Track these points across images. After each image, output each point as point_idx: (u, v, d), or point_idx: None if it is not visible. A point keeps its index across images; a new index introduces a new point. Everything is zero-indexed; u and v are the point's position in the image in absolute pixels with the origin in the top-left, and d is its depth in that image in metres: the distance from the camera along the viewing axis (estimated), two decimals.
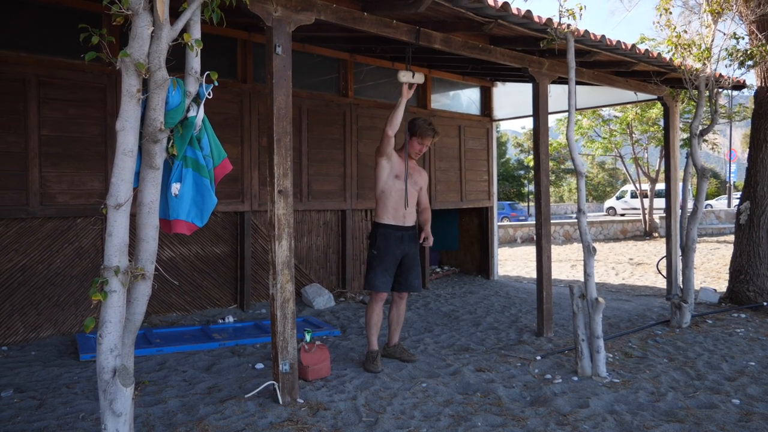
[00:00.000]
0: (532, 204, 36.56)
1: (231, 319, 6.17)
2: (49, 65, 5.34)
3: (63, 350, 5.02)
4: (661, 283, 9.54)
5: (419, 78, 4.63)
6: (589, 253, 4.57)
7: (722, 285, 8.51)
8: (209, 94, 2.97)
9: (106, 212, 2.66)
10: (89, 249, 5.67)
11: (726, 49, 6.08)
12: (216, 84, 2.97)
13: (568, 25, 4.71)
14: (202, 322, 6.11)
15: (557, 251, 15.76)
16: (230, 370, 4.47)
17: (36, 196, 5.29)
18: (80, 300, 5.59)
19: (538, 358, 4.80)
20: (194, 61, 2.92)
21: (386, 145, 4.46)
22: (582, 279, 4.97)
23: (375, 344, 4.58)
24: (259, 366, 4.55)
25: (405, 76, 4.50)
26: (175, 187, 2.91)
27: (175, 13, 2.80)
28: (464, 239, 10.04)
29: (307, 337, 4.34)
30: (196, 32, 2.89)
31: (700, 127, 6.11)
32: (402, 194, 4.59)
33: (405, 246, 4.63)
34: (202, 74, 2.96)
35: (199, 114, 2.93)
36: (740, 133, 43.04)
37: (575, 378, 4.29)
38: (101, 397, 2.61)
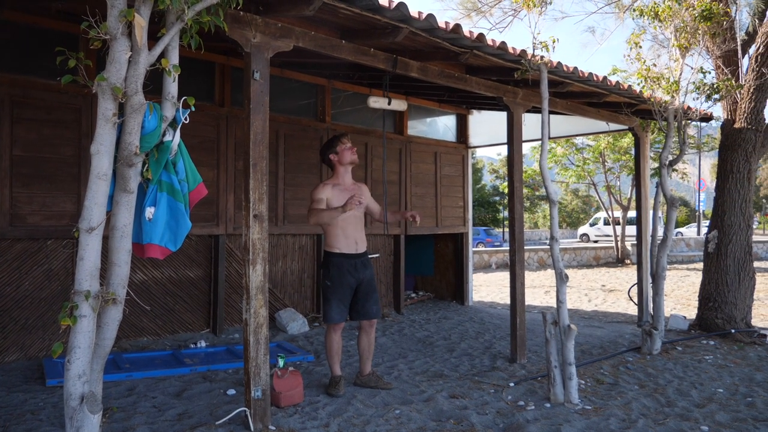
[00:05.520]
0: (507, 230, 36.86)
1: (203, 343, 6.08)
2: (24, 85, 5.28)
3: (29, 375, 4.89)
4: (633, 310, 9.66)
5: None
6: (561, 280, 4.62)
7: (692, 312, 8.64)
8: (186, 119, 2.98)
9: (78, 235, 2.63)
10: (59, 271, 5.58)
11: (693, 82, 6.27)
12: (193, 109, 2.98)
13: (542, 57, 4.83)
14: (174, 346, 6.02)
15: (531, 277, 15.88)
16: (201, 396, 4.40)
17: (6, 217, 5.19)
18: (48, 323, 5.48)
19: (512, 384, 4.81)
20: (171, 86, 2.93)
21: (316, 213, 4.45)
22: (555, 305, 5.02)
23: (337, 370, 4.55)
24: (231, 392, 4.48)
25: (376, 102, 4.39)
26: (149, 211, 2.90)
27: (153, 37, 2.82)
28: (439, 265, 10.07)
29: (280, 363, 4.30)
30: (174, 58, 2.90)
31: (670, 157, 6.27)
32: (349, 220, 4.48)
33: (359, 274, 4.54)
34: (179, 99, 2.97)
35: (175, 138, 2.93)
36: (709, 162, 44.11)
37: (548, 405, 4.31)
38: (68, 425, 2.56)
